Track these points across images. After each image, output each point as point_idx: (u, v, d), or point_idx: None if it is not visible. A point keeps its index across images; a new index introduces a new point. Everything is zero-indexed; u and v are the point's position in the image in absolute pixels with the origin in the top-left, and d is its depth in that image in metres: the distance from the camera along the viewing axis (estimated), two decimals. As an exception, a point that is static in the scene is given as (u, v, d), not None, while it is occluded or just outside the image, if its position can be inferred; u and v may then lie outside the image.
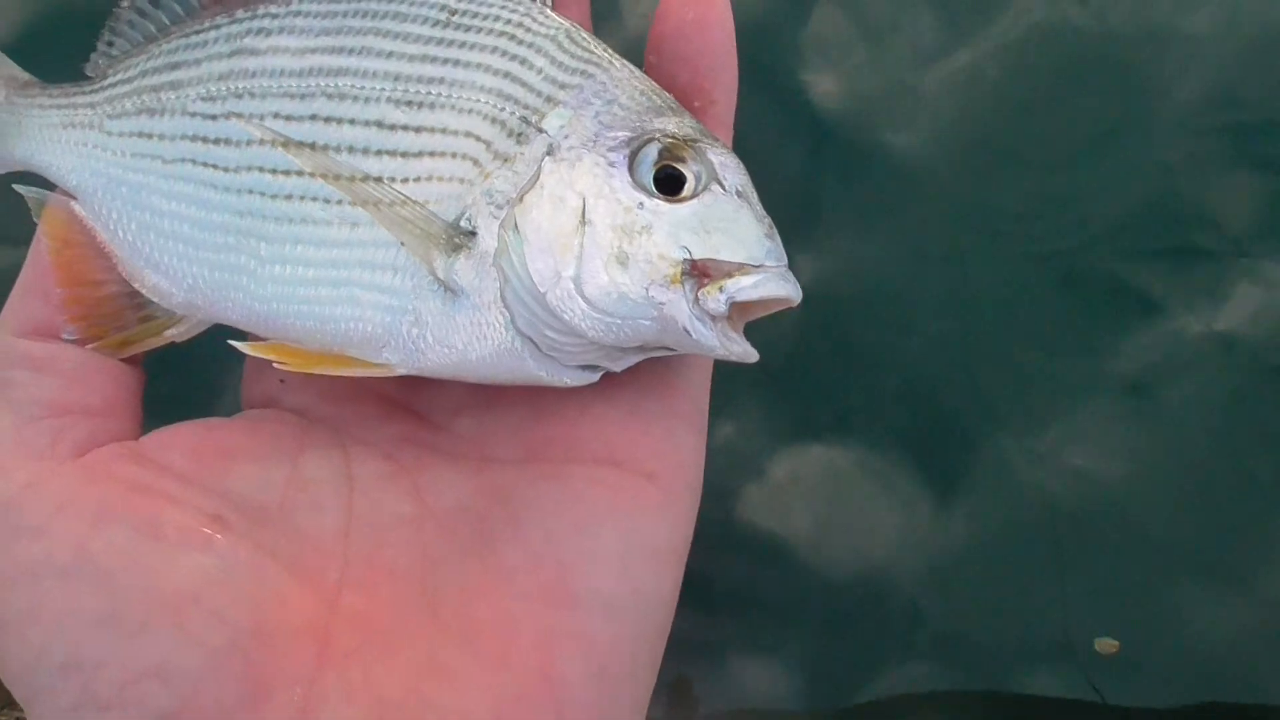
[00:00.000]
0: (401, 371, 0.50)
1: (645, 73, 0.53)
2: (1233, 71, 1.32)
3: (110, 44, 0.56)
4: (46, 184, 0.56)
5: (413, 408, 0.54)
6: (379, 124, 0.50)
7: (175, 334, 0.54)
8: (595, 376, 0.50)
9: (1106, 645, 1.06)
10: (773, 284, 0.47)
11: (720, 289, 0.47)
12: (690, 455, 0.52)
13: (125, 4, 0.56)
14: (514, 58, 0.51)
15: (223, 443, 0.51)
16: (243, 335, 0.54)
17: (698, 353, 0.49)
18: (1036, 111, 1.33)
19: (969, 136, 1.34)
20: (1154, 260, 1.26)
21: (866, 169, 1.34)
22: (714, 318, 0.47)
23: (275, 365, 0.50)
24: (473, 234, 0.49)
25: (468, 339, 0.49)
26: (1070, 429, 1.20)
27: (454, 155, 0.50)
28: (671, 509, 0.50)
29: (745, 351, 0.48)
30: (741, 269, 0.47)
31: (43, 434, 0.49)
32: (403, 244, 0.49)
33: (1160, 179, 1.29)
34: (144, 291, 0.54)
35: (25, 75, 0.57)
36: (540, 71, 0.50)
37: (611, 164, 0.48)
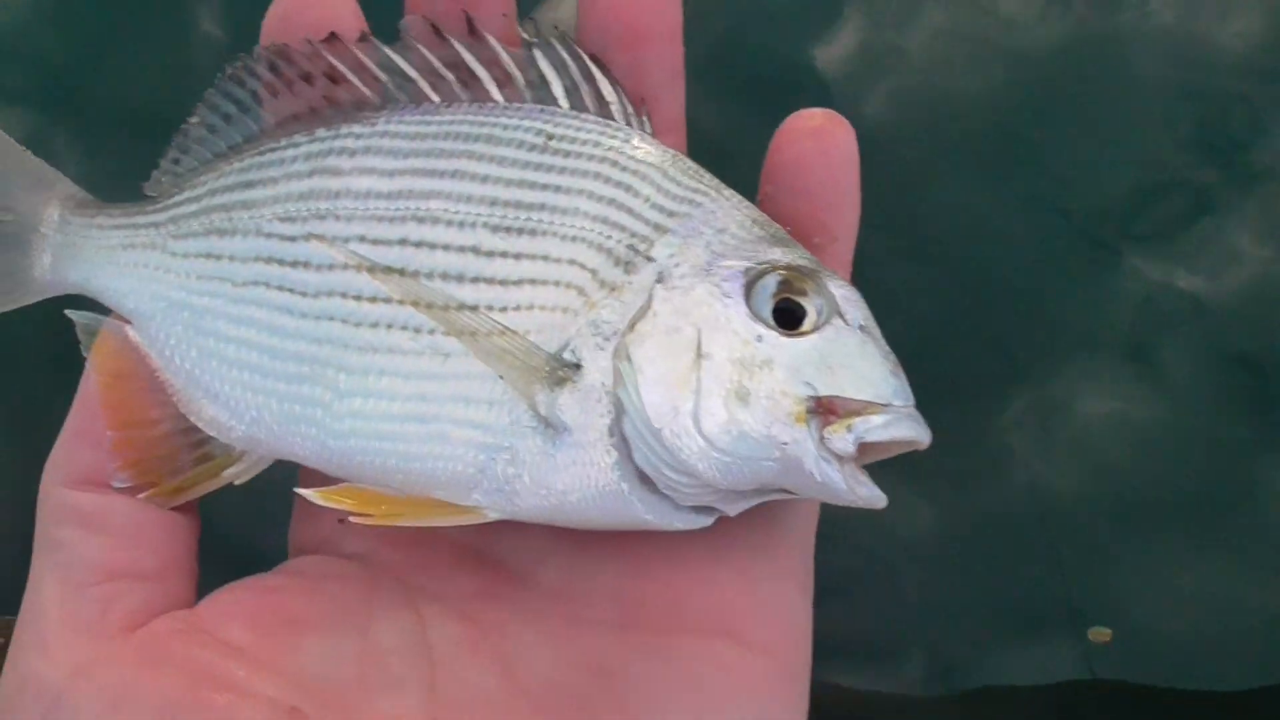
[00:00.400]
0: (493, 516, 0.46)
1: (760, 204, 0.50)
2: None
3: (176, 161, 0.53)
4: (101, 310, 0.52)
5: (488, 554, 0.49)
6: (474, 250, 0.47)
7: (234, 474, 0.50)
8: (709, 520, 0.46)
9: (1099, 634, 1.04)
10: (904, 425, 0.44)
11: (848, 428, 0.43)
12: (804, 623, 0.48)
13: (195, 119, 0.53)
14: (618, 184, 0.48)
15: (286, 610, 0.46)
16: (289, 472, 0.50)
17: (822, 497, 0.45)
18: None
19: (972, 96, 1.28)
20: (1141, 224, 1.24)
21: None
22: (840, 459, 0.43)
23: (352, 519, 0.45)
24: (577, 366, 0.45)
25: (569, 480, 0.45)
26: (1059, 395, 1.15)
27: (557, 283, 0.46)
28: (791, 689, 0.46)
29: (874, 496, 0.44)
30: (869, 407, 0.44)
31: (93, 604, 0.45)
32: (501, 376, 0.45)
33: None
34: (200, 425, 0.49)
35: (82, 193, 0.54)
36: (646, 199, 0.47)
37: (727, 294, 0.45)
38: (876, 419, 0.43)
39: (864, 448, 0.44)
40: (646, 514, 0.45)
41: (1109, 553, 1.10)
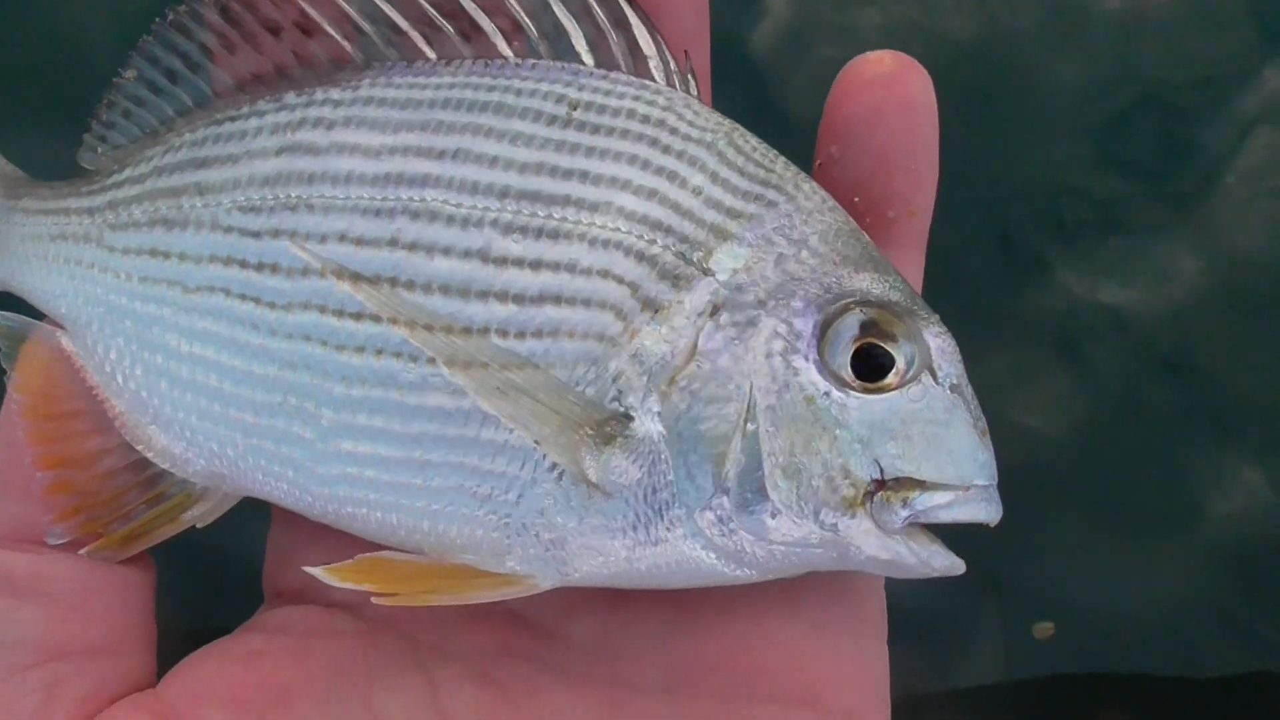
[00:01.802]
0: (547, 585, 0.38)
1: (817, 170, 0.41)
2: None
3: (110, 125, 0.43)
4: (31, 311, 0.43)
5: (503, 605, 0.41)
6: (482, 256, 0.38)
7: (196, 516, 0.41)
8: (790, 572, 0.38)
9: (1043, 630, 1.02)
10: (972, 506, 0.36)
11: (904, 502, 0.36)
12: (883, 676, 0.41)
13: (130, 74, 0.43)
14: (662, 170, 0.38)
15: (271, 681, 0.39)
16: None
17: (889, 574, 0.38)
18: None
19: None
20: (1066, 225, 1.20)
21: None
22: (897, 534, 0.36)
23: (374, 600, 0.37)
24: (627, 417, 0.36)
25: (633, 545, 0.37)
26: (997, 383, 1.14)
27: (588, 302, 0.37)
28: None
29: (951, 564, 0.37)
30: (937, 485, 0.36)
31: (32, 692, 0.37)
32: (536, 442, 0.36)
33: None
34: (151, 457, 0.41)
35: (11, 169, 0.44)
36: (700, 191, 0.38)
37: (797, 334, 0.36)
38: (941, 496, 0.36)
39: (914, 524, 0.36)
40: (734, 571, 0.37)
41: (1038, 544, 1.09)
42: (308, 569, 0.37)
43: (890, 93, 0.40)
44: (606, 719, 0.39)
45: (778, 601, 0.39)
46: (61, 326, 0.42)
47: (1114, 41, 1.21)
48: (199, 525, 0.41)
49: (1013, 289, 1.17)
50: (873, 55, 0.41)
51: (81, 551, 0.40)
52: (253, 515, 0.44)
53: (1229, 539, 1.03)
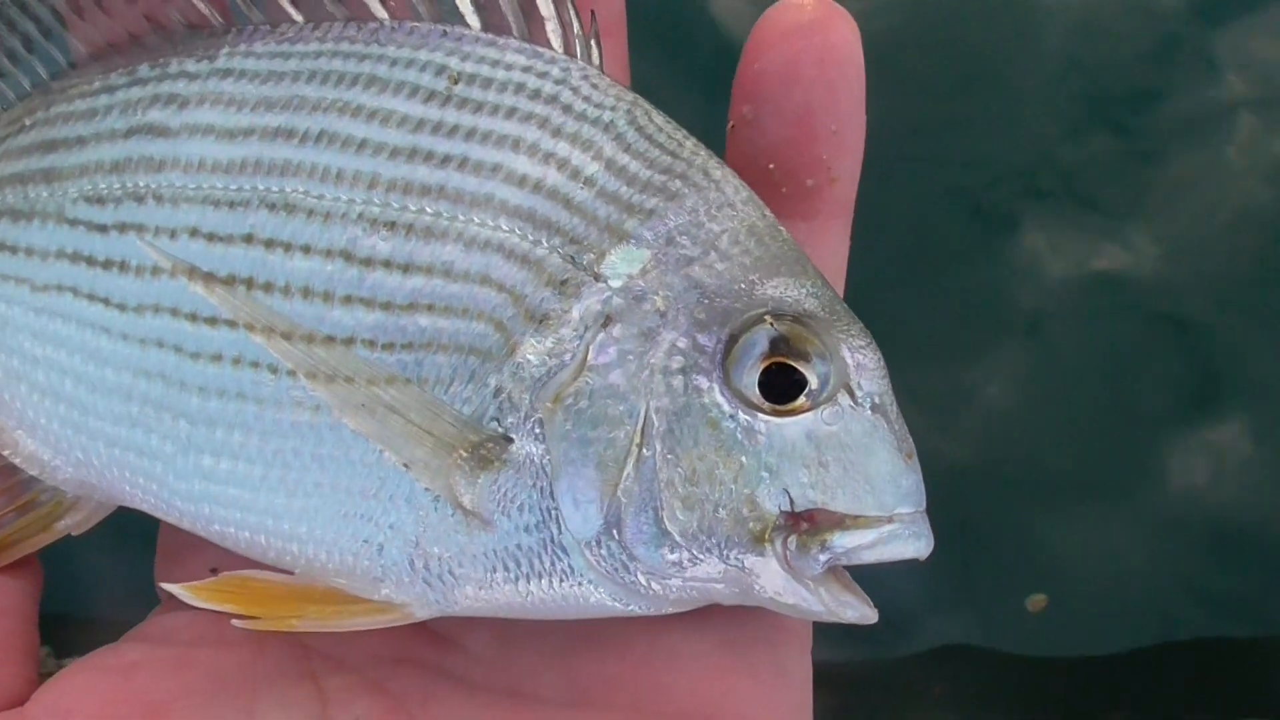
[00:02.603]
0: (423, 615, 0.35)
1: (730, 133, 0.36)
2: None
3: None
4: None
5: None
6: (346, 255, 0.34)
7: (69, 525, 0.39)
8: (688, 605, 0.34)
9: (1036, 603, 1.03)
10: (897, 544, 0.32)
11: (822, 545, 0.31)
12: (803, 688, 0.37)
13: None
14: (551, 158, 0.33)
15: (145, 695, 0.36)
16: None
17: (795, 615, 0.34)
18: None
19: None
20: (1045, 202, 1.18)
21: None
22: (808, 579, 0.32)
23: (235, 624, 0.34)
24: (506, 439, 0.33)
25: (516, 579, 0.34)
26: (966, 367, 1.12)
27: (464, 312, 0.33)
28: None
29: (861, 615, 0.33)
30: (860, 520, 0.32)
31: None
32: (405, 465, 0.33)
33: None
34: (18, 463, 0.38)
35: None
36: (593, 184, 0.33)
37: (700, 349, 0.32)
38: (863, 535, 0.31)
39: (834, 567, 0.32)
40: (628, 606, 0.34)
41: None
42: (166, 586, 0.35)
43: (809, 43, 0.35)
44: None
45: (684, 617, 0.36)
46: None
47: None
48: (74, 534, 0.39)
49: (984, 263, 1.15)
50: (791, 1, 0.35)
51: None
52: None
53: (1200, 509, 1.03)
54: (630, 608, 0.34)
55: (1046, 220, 1.18)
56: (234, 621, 0.34)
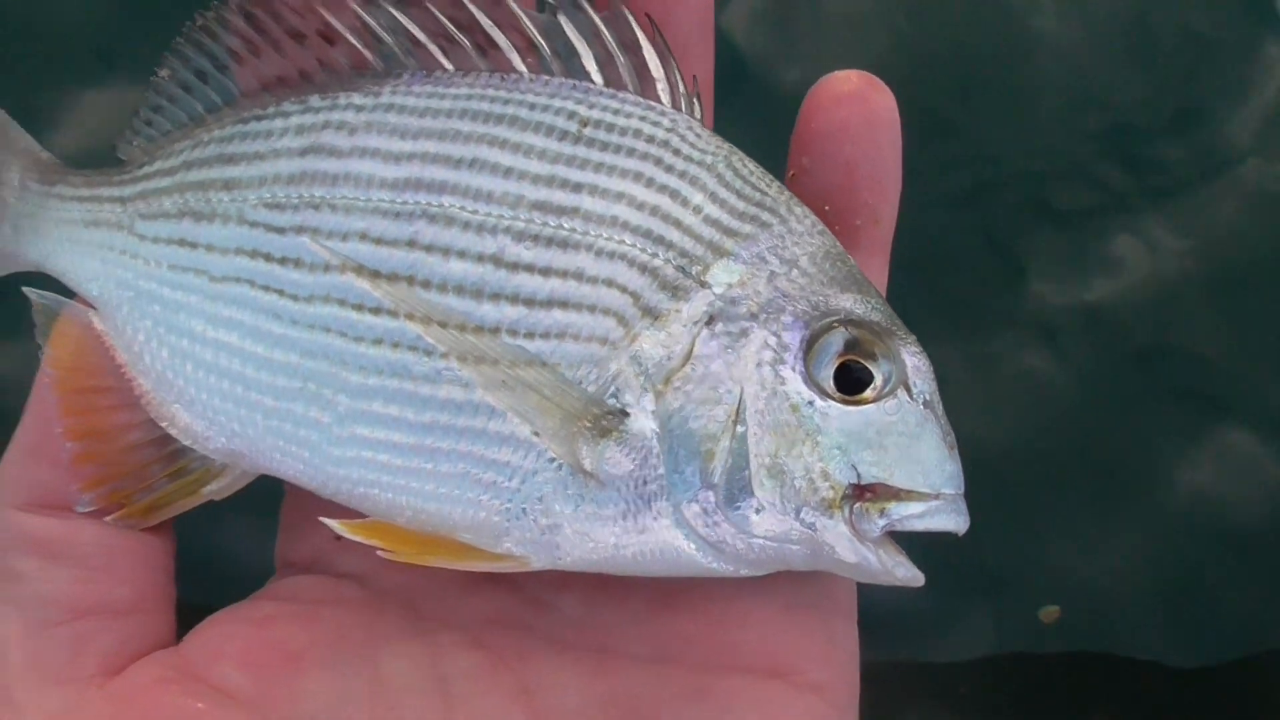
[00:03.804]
0: (537, 566, 0.41)
1: (790, 180, 0.45)
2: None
3: (148, 123, 0.46)
4: (63, 290, 0.45)
5: (500, 578, 0.44)
6: (495, 260, 0.41)
7: (214, 490, 0.44)
8: (762, 568, 0.42)
9: (1049, 614, 1.05)
10: (942, 516, 0.40)
11: (881, 511, 0.39)
12: (851, 654, 0.45)
13: (165, 73, 0.45)
14: (665, 188, 0.41)
15: (284, 644, 0.42)
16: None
17: (854, 577, 0.41)
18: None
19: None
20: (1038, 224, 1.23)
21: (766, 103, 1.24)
22: (870, 541, 0.39)
23: (380, 554, 0.40)
24: (624, 413, 0.40)
25: (621, 536, 0.40)
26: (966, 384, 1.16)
27: (593, 308, 0.40)
28: None
29: (912, 575, 0.40)
30: (912, 494, 0.39)
31: (62, 646, 0.40)
32: (534, 433, 0.40)
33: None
34: (174, 434, 0.44)
35: (46, 155, 0.46)
36: (700, 210, 0.41)
37: (785, 346, 0.40)
38: (915, 506, 0.39)
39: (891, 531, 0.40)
40: (712, 563, 0.41)
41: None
42: (324, 520, 0.41)
43: (856, 109, 0.43)
44: (592, 683, 0.42)
45: (752, 585, 0.43)
46: (93, 306, 0.45)
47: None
48: (216, 499, 0.44)
49: (996, 278, 1.20)
50: (840, 74, 0.44)
51: (106, 519, 0.42)
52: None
53: (1212, 518, 1.06)
54: (713, 565, 0.41)
55: (1057, 235, 1.20)
56: (379, 553, 0.40)
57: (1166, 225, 1.22)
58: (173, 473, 0.44)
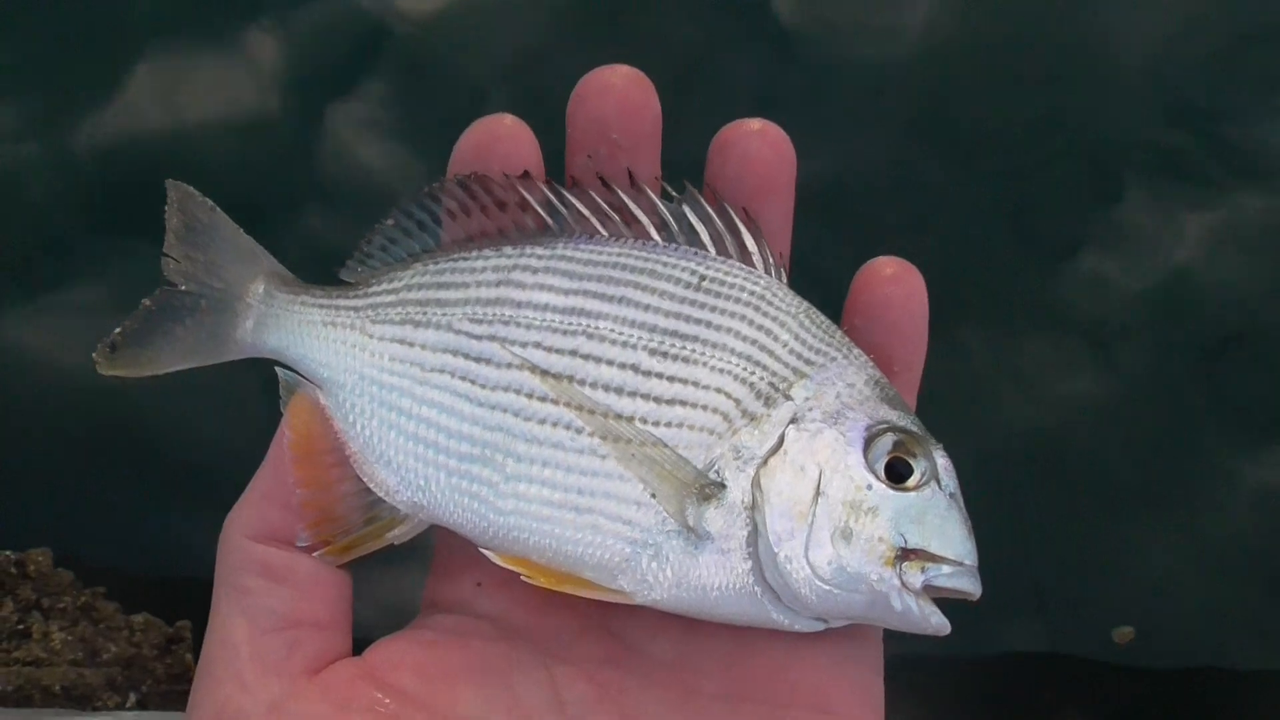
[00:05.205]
0: (638, 601, 0.53)
1: (846, 330, 0.59)
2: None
3: (369, 254, 0.61)
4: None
5: (608, 626, 0.57)
6: (634, 368, 0.55)
7: (396, 535, 0.57)
8: (823, 625, 0.54)
9: (1123, 635, 1.06)
10: (965, 579, 0.53)
11: (922, 569, 0.52)
12: (879, 697, 0.56)
13: (390, 222, 0.61)
14: (761, 327, 0.57)
15: (444, 662, 0.54)
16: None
17: (898, 626, 0.54)
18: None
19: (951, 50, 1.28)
20: (1108, 205, 1.24)
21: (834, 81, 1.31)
22: (913, 592, 0.52)
23: (523, 578, 0.53)
24: (722, 485, 0.53)
25: (709, 581, 0.53)
26: (1023, 368, 1.18)
27: (705, 408, 0.55)
28: None
29: (942, 624, 0.53)
30: (944, 560, 0.53)
31: (279, 646, 0.52)
32: (653, 494, 0.53)
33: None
34: (372, 486, 0.57)
35: (285, 271, 0.62)
36: (786, 345, 0.56)
37: (849, 442, 0.54)
38: (946, 569, 0.52)
39: (927, 586, 0.53)
40: (776, 615, 0.53)
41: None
42: (485, 551, 0.54)
43: (897, 289, 0.59)
44: (679, 713, 0.53)
45: (808, 639, 0.55)
46: (319, 386, 0.59)
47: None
48: (395, 543, 0.57)
49: (1043, 276, 1.22)
50: (882, 260, 0.59)
51: (314, 554, 0.55)
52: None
53: (1258, 532, 1.07)
54: (779, 616, 0.53)
55: (1109, 230, 1.19)
56: (522, 576, 0.53)
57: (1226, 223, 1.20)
58: (367, 519, 0.57)
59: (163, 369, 0.60)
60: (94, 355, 0.59)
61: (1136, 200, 1.28)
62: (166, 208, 0.61)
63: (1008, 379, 1.22)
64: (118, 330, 0.60)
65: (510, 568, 0.53)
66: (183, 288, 0.60)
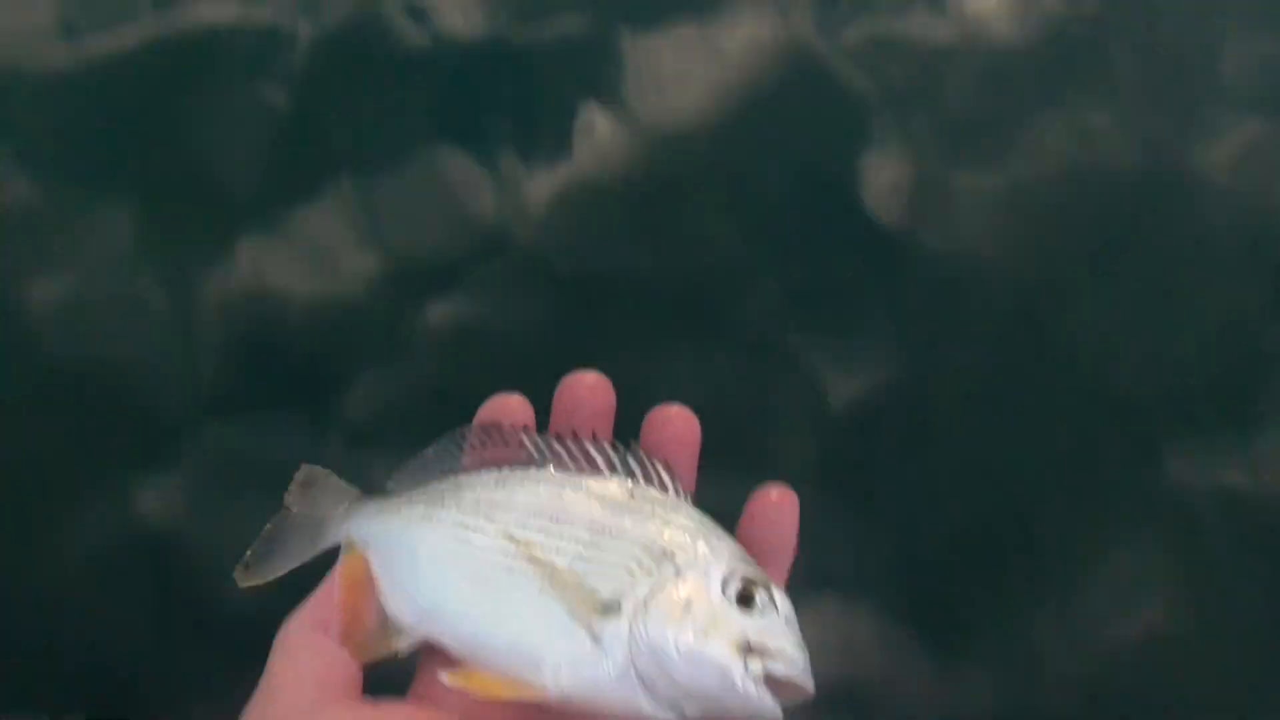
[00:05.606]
0: (552, 698, 0.77)
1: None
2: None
3: (409, 473, 0.92)
4: None
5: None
6: (577, 554, 0.82)
7: (399, 646, 0.82)
8: (692, 712, 0.76)
9: None
10: (798, 671, 0.75)
11: (760, 660, 0.75)
12: None
13: (431, 452, 0.92)
14: (674, 524, 0.83)
15: None
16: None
17: (737, 707, 0.74)
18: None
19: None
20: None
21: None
22: (754, 678, 0.74)
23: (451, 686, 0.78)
24: (619, 606, 0.79)
25: (606, 679, 0.76)
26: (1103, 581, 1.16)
27: (618, 568, 0.81)
28: None
29: (773, 708, 0.74)
30: (781, 656, 0.75)
31: (319, 697, 0.78)
32: (569, 613, 0.79)
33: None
34: (388, 610, 0.83)
35: (363, 494, 0.92)
36: (684, 529, 0.83)
37: (710, 580, 0.79)
38: (781, 664, 0.75)
39: (768, 680, 0.75)
40: (651, 710, 0.76)
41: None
42: (441, 674, 0.78)
43: (775, 514, 0.86)
44: None
45: None
46: (367, 547, 0.87)
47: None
48: (399, 655, 0.82)
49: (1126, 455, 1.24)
50: (770, 486, 0.87)
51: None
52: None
53: None
54: (648, 707, 0.76)
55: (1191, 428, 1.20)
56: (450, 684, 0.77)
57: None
58: (381, 632, 0.82)
59: (282, 573, 0.88)
60: (234, 574, 0.87)
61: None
62: (296, 473, 0.92)
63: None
64: (249, 552, 0.89)
65: (455, 685, 0.77)
66: (295, 510, 0.91)
